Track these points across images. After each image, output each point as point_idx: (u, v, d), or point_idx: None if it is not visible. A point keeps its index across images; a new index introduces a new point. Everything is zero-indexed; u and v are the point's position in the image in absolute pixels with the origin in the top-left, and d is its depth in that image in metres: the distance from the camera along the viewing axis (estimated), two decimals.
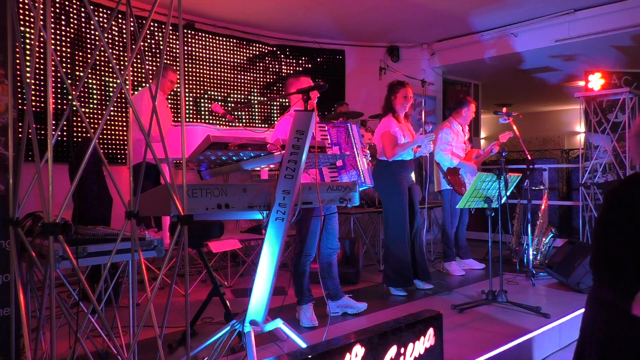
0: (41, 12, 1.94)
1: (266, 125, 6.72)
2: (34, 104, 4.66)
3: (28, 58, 4.11)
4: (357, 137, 3.58)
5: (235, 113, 6.53)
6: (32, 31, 4.59)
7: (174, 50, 6.02)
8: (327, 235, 3.56)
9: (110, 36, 5.46)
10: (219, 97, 6.51)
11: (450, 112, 5.20)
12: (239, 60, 6.70)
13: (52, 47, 1.90)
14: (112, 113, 5.48)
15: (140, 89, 5.68)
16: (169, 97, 5.72)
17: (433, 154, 4.97)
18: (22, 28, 4.54)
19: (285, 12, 6.22)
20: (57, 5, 4.96)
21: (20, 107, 3.12)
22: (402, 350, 2.22)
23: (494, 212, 3.88)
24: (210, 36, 6.43)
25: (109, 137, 5.45)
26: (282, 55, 7.10)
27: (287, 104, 7.05)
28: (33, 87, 4.61)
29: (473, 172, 4.92)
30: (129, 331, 2.48)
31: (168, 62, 5.94)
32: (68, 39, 5.07)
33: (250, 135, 3.75)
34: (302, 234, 3.42)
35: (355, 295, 3.87)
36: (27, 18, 4.64)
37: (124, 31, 5.16)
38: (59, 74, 4.23)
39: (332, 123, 3.58)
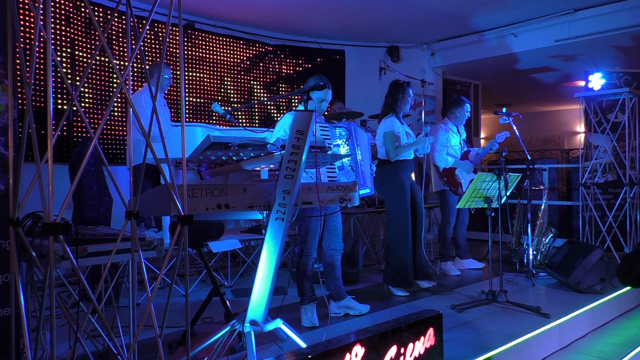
0: (41, 12, 1.94)
1: (267, 126, 6.72)
2: (33, 104, 4.66)
3: (28, 58, 4.10)
4: (361, 139, 3.55)
5: (236, 113, 6.53)
6: (32, 31, 4.59)
7: (175, 51, 6.02)
8: (329, 235, 3.54)
9: (110, 36, 5.46)
10: (219, 97, 6.51)
11: (445, 112, 5.19)
12: (239, 61, 6.69)
13: (52, 47, 1.90)
14: (112, 113, 5.48)
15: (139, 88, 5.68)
16: (170, 96, 5.72)
17: (430, 155, 4.98)
18: (22, 28, 4.54)
19: (285, 12, 6.22)
20: (57, 5, 4.96)
21: (20, 107, 3.12)
22: (402, 350, 2.22)
23: (494, 212, 3.88)
24: (211, 36, 6.43)
25: (109, 137, 5.45)
26: (282, 55, 7.10)
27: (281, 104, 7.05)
28: (33, 87, 4.61)
29: (469, 168, 4.92)
30: (129, 331, 2.48)
31: (168, 63, 5.93)
32: (68, 39, 5.07)
33: (250, 135, 3.74)
34: (302, 234, 3.41)
35: (356, 295, 3.87)
36: (27, 18, 4.64)
37: (124, 29, 5.17)
38: (59, 74, 4.23)
39: (334, 123, 3.57)
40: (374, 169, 3.68)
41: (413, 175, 4.56)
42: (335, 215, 3.55)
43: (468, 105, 5.06)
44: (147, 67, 4.87)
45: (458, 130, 5.12)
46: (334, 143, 3.38)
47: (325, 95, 3.38)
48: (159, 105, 4.78)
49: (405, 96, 4.20)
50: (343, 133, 3.45)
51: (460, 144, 5.10)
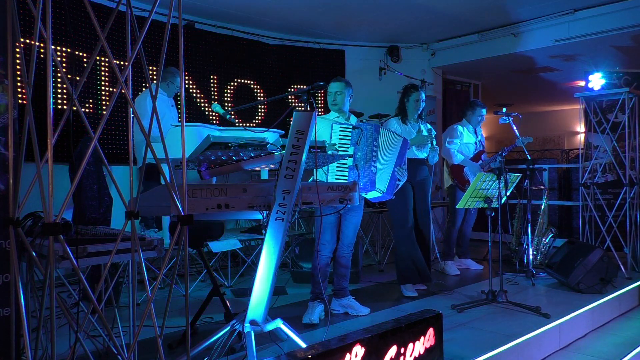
0: (41, 11, 1.94)
1: (267, 126, 6.71)
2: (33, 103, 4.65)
3: (28, 58, 4.10)
4: (383, 140, 3.51)
5: (234, 113, 6.52)
6: (32, 31, 4.58)
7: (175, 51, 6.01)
8: (340, 235, 3.62)
9: (111, 36, 5.46)
10: (220, 98, 6.50)
11: (463, 113, 5.29)
12: (239, 61, 6.68)
13: (52, 47, 1.90)
14: (112, 113, 5.48)
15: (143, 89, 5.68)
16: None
17: (442, 149, 5.04)
18: (22, 28, 4.53)
19: (285, 12, 6.22)
20: (58, 4, 4.95)
21: (20, 106, 3.12)
22: (402, 350, 2.22)
23: (494, 212, 3.88)
24: (211, 36, 6.42)
25: (109, 137, 5.44)
26: (282, 55, 7.09)
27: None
28: (33, 87, 4.60)
29: (475, 170, 4.95)
30: (129, 331, 2.48)
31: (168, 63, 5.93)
32: (68, 39, 5.07)
33: (250, 135, 3.75)
34: (317, 231, 3.52)
35: (356, 295, 3.87)
36: (27, 18, 4.63)
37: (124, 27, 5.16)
38: (59, 74, 4.23)
39: (356, 123, 3.58)
40: (403, 173, 3.60)
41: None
42: (348, 217, 3.58)
43: (482, 109, 5.18)
44: (148, 68, 4.85)
45: (475, 131, 5.22)
46: (351, 143, 3.40)
47: (332, 87, 3.53)
48: (167, 106, 4.81)
49: (413, 99, 4.24)
50: (357, 134, 3.45)
51: (476, 144, 5.19)
